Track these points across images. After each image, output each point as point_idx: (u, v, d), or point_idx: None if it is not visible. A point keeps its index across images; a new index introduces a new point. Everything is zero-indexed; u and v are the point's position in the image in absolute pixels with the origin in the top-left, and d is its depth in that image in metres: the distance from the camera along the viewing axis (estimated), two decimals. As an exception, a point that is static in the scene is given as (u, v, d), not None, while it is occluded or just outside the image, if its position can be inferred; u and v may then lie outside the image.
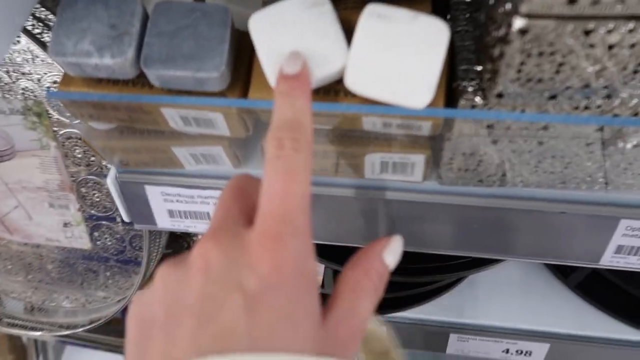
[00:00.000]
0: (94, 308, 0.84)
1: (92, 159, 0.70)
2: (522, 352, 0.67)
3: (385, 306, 0.64)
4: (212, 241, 0.22)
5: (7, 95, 0.64)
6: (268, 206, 0.22)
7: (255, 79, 0.30)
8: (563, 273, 0.67)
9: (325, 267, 0.53)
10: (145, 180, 0.38)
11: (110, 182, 0.39)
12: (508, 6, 0.24)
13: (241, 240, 0.21)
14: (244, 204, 0.24)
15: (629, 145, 0.30)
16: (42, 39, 0.57)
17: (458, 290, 0.66)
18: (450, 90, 0.30)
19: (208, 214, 0.40)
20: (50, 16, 0.53)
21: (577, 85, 0.26)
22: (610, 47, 0.24)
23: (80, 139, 0.68)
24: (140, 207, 0.40)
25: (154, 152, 0.37)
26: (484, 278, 0.68)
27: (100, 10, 0.29)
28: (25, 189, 0.75)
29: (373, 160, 0.33)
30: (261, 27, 0.27)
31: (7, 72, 0.62)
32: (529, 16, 0.23)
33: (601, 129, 0.30)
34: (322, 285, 0.55)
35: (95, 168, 0.70)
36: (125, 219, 0.41)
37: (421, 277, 0.54)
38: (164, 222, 0.41)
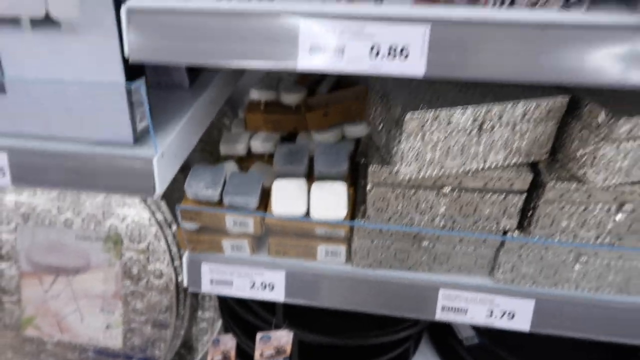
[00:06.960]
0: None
1: (143, 274, 1.02)
2: None
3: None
4: None
5: (97, 228, 1.01)
6: None
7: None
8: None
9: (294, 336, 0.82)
10: (202, 259, 0.73)
11: (185, 261, 0.74)
12: (368, 178, 0.64)
13: None
14: None
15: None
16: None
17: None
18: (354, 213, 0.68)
19: (232, 282, 0.74)
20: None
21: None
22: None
23: (137, 260, 1.02)
24: (195, 277, 0.74)
25: (210, 244, 0.73)
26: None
27: (208, 173, 0.69)
28: (87, 296, 1.05)
29: (322, 249, 0.70)
30: (276, 188, 0.67)
31: (102, 212, 1.00)
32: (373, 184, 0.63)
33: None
34: (290, 356, 0.84)
35: (144, 281, 1.02)
36: (185, 284, 0.75)
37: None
38: (206, 287, 0.75)
